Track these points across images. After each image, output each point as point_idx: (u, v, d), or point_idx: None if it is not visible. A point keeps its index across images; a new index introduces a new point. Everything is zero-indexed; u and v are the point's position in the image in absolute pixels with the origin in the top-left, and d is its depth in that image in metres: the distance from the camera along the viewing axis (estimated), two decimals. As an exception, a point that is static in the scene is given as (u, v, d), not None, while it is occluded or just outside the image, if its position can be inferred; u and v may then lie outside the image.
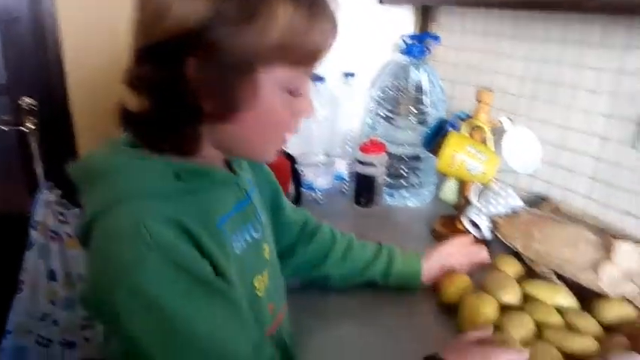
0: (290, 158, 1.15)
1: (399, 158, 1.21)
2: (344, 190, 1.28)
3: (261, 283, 0.62)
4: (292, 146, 1.16)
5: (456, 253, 0.88)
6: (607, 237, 0.82)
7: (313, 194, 1.22)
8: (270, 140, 0.59)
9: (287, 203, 0.81)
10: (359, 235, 0.88)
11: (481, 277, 0.83)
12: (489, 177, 0.97)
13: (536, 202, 1.09)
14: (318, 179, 1.21)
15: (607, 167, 0.95)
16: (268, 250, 0.68)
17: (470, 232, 1.05)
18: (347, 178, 1.27)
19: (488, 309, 0.74)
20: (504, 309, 0.76)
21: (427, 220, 1.13)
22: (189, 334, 0.47)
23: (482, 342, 0.63)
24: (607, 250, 0.80)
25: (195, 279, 0.49)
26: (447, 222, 1.11)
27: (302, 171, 1.18)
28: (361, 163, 1.16)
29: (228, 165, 0.64)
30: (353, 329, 0.76)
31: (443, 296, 0.81)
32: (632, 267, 0.79)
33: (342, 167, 1.27)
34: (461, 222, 1.05)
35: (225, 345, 0.50)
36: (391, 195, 1.24)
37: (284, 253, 0.79)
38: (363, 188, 1.18)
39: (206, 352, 0.48)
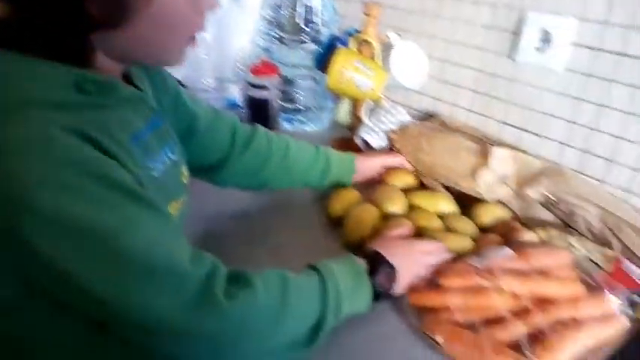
0: (176, 84, 1.08)
1: (294, 81, 1.18)
2: (239, 116, 1.23)
3: (175, 209, 0.57)
4: (177, 69, 1.08)
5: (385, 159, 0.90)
6: (485, 144, 0.86)
7: (206, 122, 1.16)
8: (173, 43, 0.52)
9: (204, 111, 0.73)
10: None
11: (370, 191, 0.84)
12: (378, 92, 0.96)
13: (424, 118, 1.11)
14: (209, 106, 1.15)
15: (486, 79, 0.98)
16: (186, 174, 0.63)
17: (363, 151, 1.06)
18: (240, 104, 1.22)
19: (371, 218, 0.75)
20: (390, 218, 0.78)
21: (325, 144, 1.12)
22: (127, 253, 0.41)
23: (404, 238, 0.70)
24: (484, 157, 0.84)
25: (120, 190, 0.42)
26: (342, 144, 1.11)
27: (190, 97, 1.11)
28: (253, 86, 1.11)
29: (129, 81, 0.55)
30: (244, 253, 0.74)
31: (330, 210, 0.81)
32: (507, 171, 0.83)
33: (235, 92, 1.22)
34: (355, 142, 1.06)
35: (165, 258, 0.43)
36: (289, 120, 1.22)
37: (215, 166, 0.75)
38: (258, 113, 1.14)
39: (147, 268, 0.42)
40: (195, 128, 0.71)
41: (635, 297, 0.64)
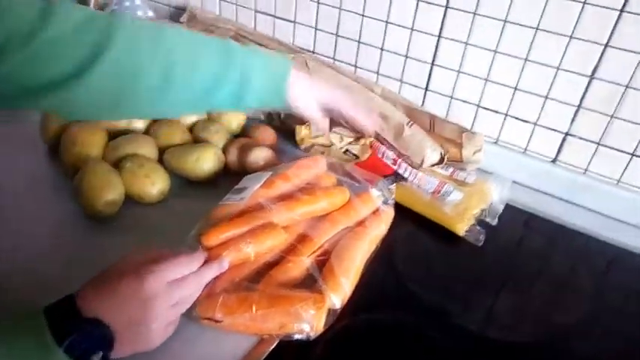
0: None
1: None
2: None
3: None
4: None
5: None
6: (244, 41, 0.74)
7: None
8: None
9: None
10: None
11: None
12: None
13: (176, 14, 0.95)
14: None
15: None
16: None
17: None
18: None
19: (96, 138, 0.61)
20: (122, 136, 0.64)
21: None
22: None
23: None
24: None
25: None
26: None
27: None
28: None
29: None
30: None
31: (45, 135, 0.65)
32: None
33: None
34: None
35: None
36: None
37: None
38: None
39: None
40: None
41: (389, 182, 0.62)
